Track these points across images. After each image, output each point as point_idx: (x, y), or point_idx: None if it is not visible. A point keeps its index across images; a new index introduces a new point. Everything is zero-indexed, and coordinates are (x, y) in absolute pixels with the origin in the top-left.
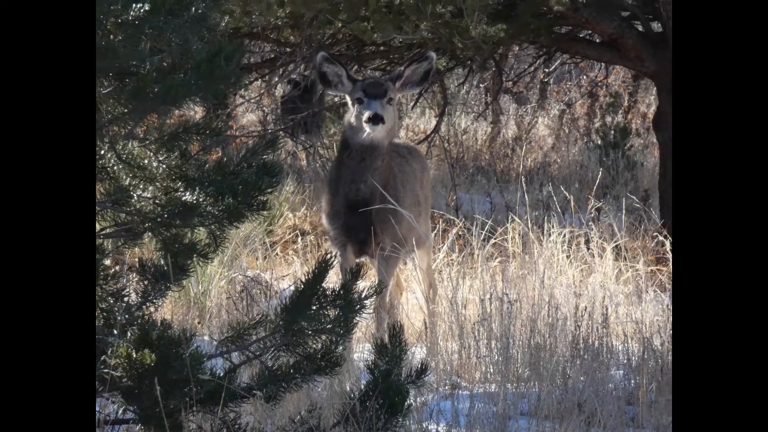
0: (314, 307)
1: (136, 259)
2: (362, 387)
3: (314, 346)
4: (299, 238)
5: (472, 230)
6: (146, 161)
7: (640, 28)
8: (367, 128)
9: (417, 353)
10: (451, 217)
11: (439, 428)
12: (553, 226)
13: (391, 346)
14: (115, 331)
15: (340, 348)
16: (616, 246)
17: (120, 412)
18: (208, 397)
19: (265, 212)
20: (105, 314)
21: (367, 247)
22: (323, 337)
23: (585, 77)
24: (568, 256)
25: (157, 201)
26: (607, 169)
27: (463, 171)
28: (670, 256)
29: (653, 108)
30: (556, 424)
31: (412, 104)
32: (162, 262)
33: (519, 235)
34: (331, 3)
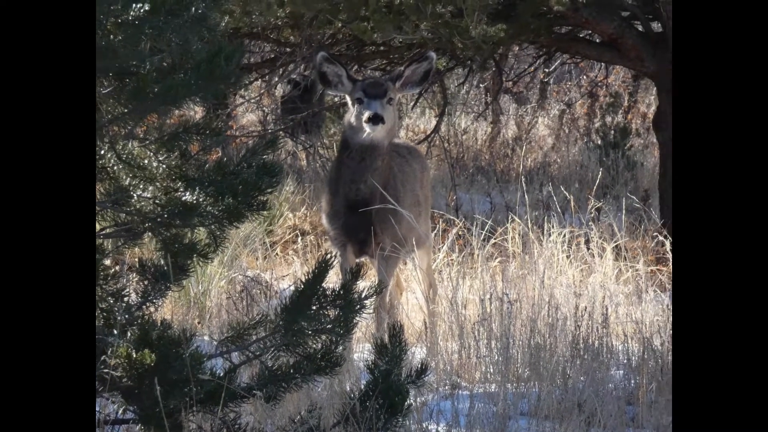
0: (314, 307)
1: (136, 259)
2: (362, 387)
3: (314, 346)
4: (299, 238)
5: (472, 230)
6: (146, 161)
7: (640, 28)
8: (367, 128)
9: (417, 353)
10: (451, 217)
11: (439, 428)
12: (553, 226)
13: (391, 346)
14: (115, 331)
15: (340, 348)
16: (616, 246)
17: (120, 412)
18: (208, 397)
19: (265, 212)
20: (105, 314)
21: (367, 247)
22: (323, 337)
23: (585, 77)
24: (568, 256)
25: (157, 201)
26: (607, 169)
27: (463, 171)
28: (670, 256)
29: (653, 108)
30: (556, 424)
31: (412, 104)
32: (162, 262)
33: (519, 235)
34: (331, 3)
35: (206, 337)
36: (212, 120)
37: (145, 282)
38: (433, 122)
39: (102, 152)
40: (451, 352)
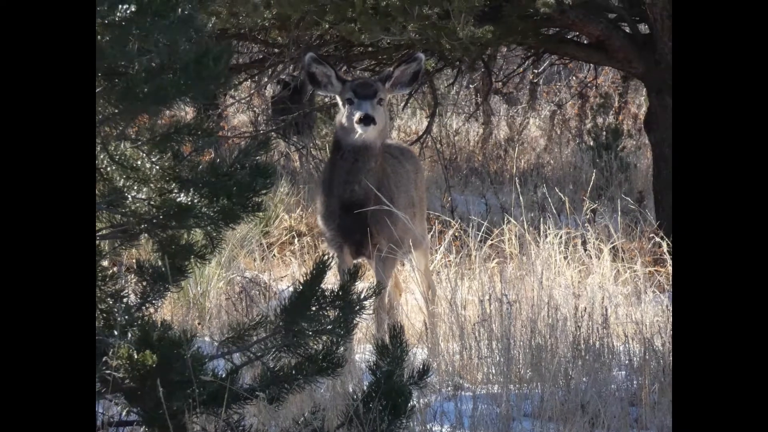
0: (314, 308)
1: (134, 261)
2: (365, 388)
3: (315, 347)
4: (296, 240)
5: (468, 231)
6: (139, 162)
7: (628, 30)
8: (358, 129)
9: (418, 354)
10: (447, 219)
11: (443, 430)
12: (549, 228)
13: (392, 347)
14: (116, 332)
15: (342, 349)
16: (613, 247)
17: (124, 413)
18: (211, 398)
19: (260, 213)
20: (105, 315)
21: (363, 248)
22: (324, 337)
23: (574, 78)
24: (565, 257)
25: (151, 202)
26: (601, 171)
27: (456, 172)
28: (667, 257)
29: (644, 109)
30: (560, 426)
31: (402, 105)
32: (159, 263)
33: (515, 236)
34: (317, 4)
35: (207, 338)
36: (203, 120)
37: (144, 283)
38: (425, 123)
39: (95, 153)
40: (453, 353)
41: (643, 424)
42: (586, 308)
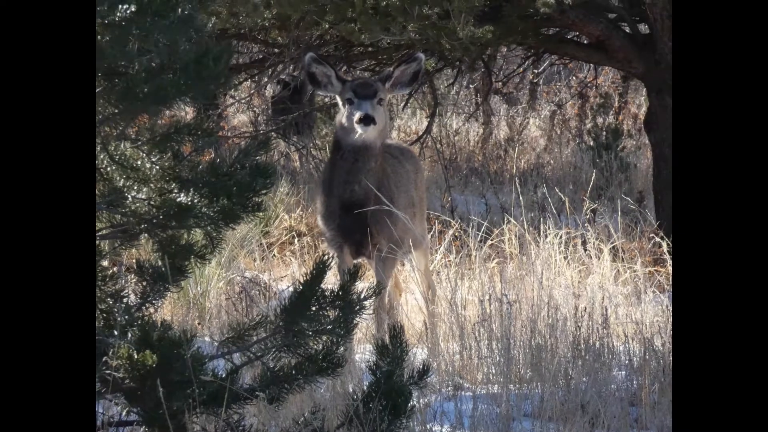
0: (314, 308)
1: (134, 261)
2: (365, 388)
3: (315, 347)
4: (296, 240)
5: (468, 231)
6: (139, 162)
7: (628, 30)
8: (358, 129)
9: (418, 354)
10: (447, 219)
11: (443, 430)
12: (549, 228)
13: (392, 347)
14: (116, 332)
15: (342, 349)
16: (613, 247)
17: (124, 413)
18: (211, 398)
19: (260, 213)
20: (105, 315)
21: (363, 248)
22: (324, 337)
23: (574, 78)
24: (565, 257)
25: (151, 202)
26: (601, 171)
27: (456, 172)
28: (667, 257)
29: (643, 109)
30: (560, 426)
31: (402, 105)
32: (159, 263)
33: (515, 236)
34: (317, 4)
35: (207, 338)
36: (203, 120)
37: (144, 283)
38: (425, 123)
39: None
40: (453, 353)
41: (643, 424)
42: (586, 308)
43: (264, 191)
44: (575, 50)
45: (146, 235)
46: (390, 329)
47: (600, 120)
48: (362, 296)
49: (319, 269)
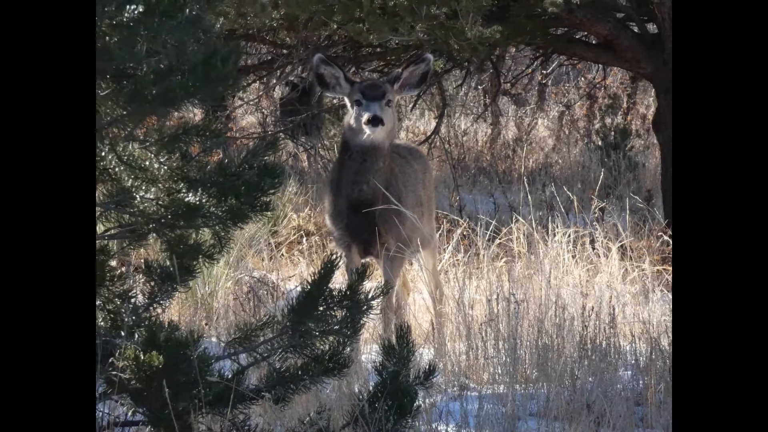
0: (321, 308)
1: (142, 261)
2: (371, 388)
3: (322, 347)
4: (304, 239)
5: (476, 230)
6: (147, 163)
7: (636, 30)
8: (366, 130)
9: (425, 354)
10: (455, 218)
11: (449, 430)
12: (557, 227)
13: (398, 347)
14: (123, 333)
15: (348, 349)
16: (622, 246)
17: (129, 414)
18: (217, 398)
19: (268, 213)
20: (112, 315)
21: (371, 247)
22: (330, 338)
23: (583, 79)
24: (573, 256)
25: (160, 202)
26: (609, 170)
27: (465, 172)
28: None
29: (652, 109)
30: (565, 425)
31: (411, 106)
32: (168, 263)
33: (524, 235)
34: (325, 5)
35: (213, 339)
36: (212, 122)
37: (152, 283)
38: (433, 124)
39: (103, 154)
40: (459, 353)
41: (648, 423)
42: (593, 307)
43: (272, 191)
44: (583, 50)
45: (154, 234)
46: (397, 329)
47: (608, 120)
48: (370, 296)
49: (327, 269)
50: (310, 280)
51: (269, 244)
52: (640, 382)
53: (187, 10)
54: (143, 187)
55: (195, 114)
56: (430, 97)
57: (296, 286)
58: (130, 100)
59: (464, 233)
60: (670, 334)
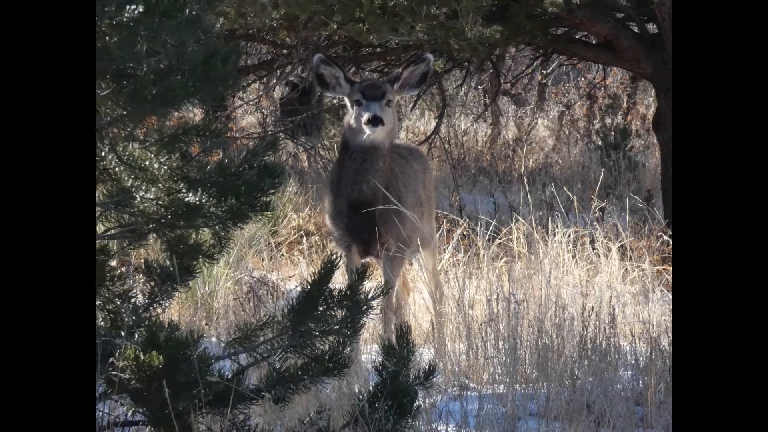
0: (321, 308)
1: (142, 261)
2: (371, 388)
3: (322, 347)
4: (304, 239)
5: (476, 230)
6: (147, 163)
7: (636, 30)
8: (366, 130)
9: (425, 354)
10: (455, 218)
11: (449, 429)
12: (557, 227)
13: (398, 347)
14: (123, 333)
15: (348, 349)
16: (622, 246)
17: (129, 414)
18: (217, 398)
19: (268, 213)
20: (112, 315)
21: (371, 247)
22: (330, 338)
23: (583, 79)
24: (573, 256)
25: (160, 202)
26: (609, 170)
27: (465, 172)
28: None
29: (652, 109)
30: (565, 425)
31: (411, 106)
32: (168, 263)
33: (524, 235)
34: (325, 5)
35: (213, 339)
36: (212, 122)
37: (152, 283)
38: (433, 124)
39: (103, 154)
40: (459, 353)
41: (648, 423)
42: (593, 307)
43: (272, 191)
44: (583, 50)
45: (154, 234)
46: (397, 329)
47: (608, 120)
48: (370, 296)
49: (327, 269)
50: (310, 280)
51: (269, 244)
52: (640, 382)
53: (187, 10)
54: (143, 187)
55: (195, 114)
56: (430, 97)
57: (296, 286)
58: (130, 100)
59: (464, 233)
60: (670, 334)
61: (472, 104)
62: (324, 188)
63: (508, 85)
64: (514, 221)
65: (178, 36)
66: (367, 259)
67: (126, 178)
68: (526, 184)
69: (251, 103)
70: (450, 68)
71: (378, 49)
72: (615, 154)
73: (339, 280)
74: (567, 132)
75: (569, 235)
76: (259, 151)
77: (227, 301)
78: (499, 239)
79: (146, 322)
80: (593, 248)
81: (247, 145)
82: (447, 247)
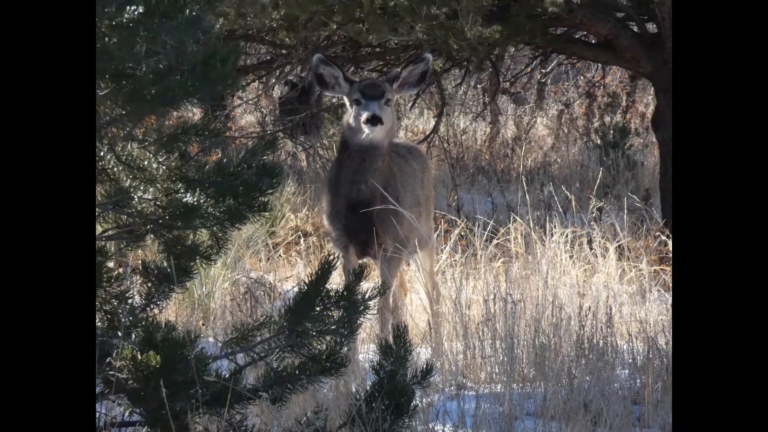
0: (318, 308)
1: (139, 261)
2: (368, 388)
3: (319, 347)
4: (302, 240)
5: (474, 230)
6: (146, 162)
7: (636, 29)
8: (365, 129)
9: (422, 354)
10: (453, 218)
11: (446, 429)
12: (555, 226)
13: (395, 346)
14: (120, 333)
15: (345, 349)
16: (619, 246)
17: (126, 414)
18: (214, 398)
19: (266, 213)
20: (109, 316)
21: (369, 248)
22: (328, 338)
23: (582, 77)
24: (571, 257)
25: (157, 202)
26: (608, 169)
27: (463, 171)
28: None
29: (651, 108)
30: (562, 425)
31: (410, 105)
32: (165, 264)
33: (521, 235)
34: (325, 5)
35: (211, 339)
36: (211, 121)
37: (149, 284)
38: (432, 123)
39: (101, 154)
40: (456, 353)
41: (645, 422)
42: (590, 307)
43: (270, 191)
44: (583, 50)
45: (152, 235)
46: (394, 329)
47: (607, 119)
48: (366, 296)
49: (324, 269)
50: (307, 281)
51: (267, 244)
52: (637, 381)
53: (187, 11)
54: (141, 188)
55: (194, 114)
56: (429, 96)
57: (293, 287)
58: (129, 99)
59: (462, 233)
60: (667, 334)
61: (471, 103)
62: (322, 188)
63: (507, 83)
64: (511, 221)
65: (178, 36)
66: (365, 260)
67: (124, 178)
68: (525, 184)
69: (250, 102)
70: (449, 67)
71: (377, 49)
72: (614, 153)
73: (336, 281)
74: (566, 131)
75: (567, 236)
76: (257, 150)
77: (224, 301)
78: (497, 239)
79: (143, 323)
80: (591, 248)
81: (246, 145)
82: (444, 248)
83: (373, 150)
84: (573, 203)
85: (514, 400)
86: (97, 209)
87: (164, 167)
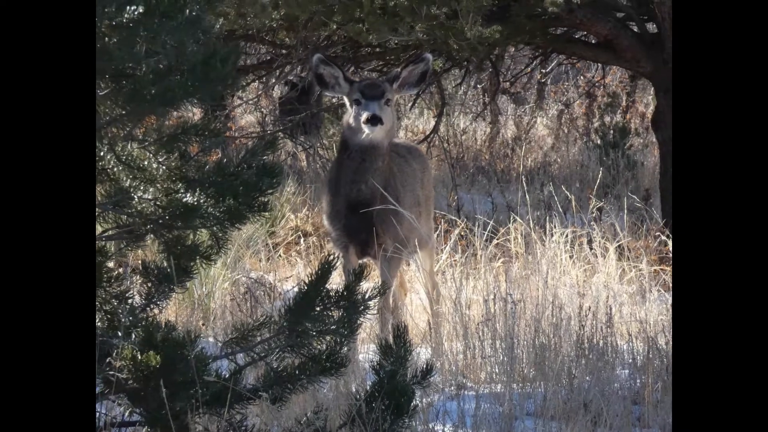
0: (318, 308)
1: (139, 261)
2: (368, 388)
3: (319, 347)
4: (302, 240)
5: (474, 230)
6: (146, 162)
7: (636, 29)
8: (365, 129)
9: (422, 354)
10: (453, 218)
11: (446, 429)
12: (555, 226)
13: (395, 346)
14: (120, 333)
15: (345, 349)
16: (619, 246)
17: (126, 414)
18: (214, 398)
19: (266, 213)
20: (109, 316)
21: (369, 248)
22: (328, 338)
23: (582, 77)
24: (571, 257)
25: (157, 202)
26: (608, 169)
27: (463, 171)
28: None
29: (651, 108)
30: (562, 425)
31: (410, 105)
32: (165, 264)
33: (521, 235)
34: (325, 5)
35: (211, 339)
36: (211, 121)
37: (149, 284)
38: (432, 123)
39: (101, 154)
40: (456, 353)
41: (645, 422)
42: (590, 307)
43: (270, 191)
44: (583, 50)
45: (152, 235)
46: (394, 329)
47: (607, 119)
48: (366, 296)
49: (324, 269)
50: (307, 281)
51: (267, 244)
52: (637, 381)
53: (187, 11)
54: (141, 188)
55: (194, 114)
56: (429, 96)
57: (293, 287)
58: (130, 99)
59: (462, 233)
60: (667, 334)
61: (471, 103)
62: (322, 188)
63: (508, 83)
64: (511, 221)
65: (178, 36)
66: (365, 260)
67: (124, 178)
68: (525, 184)
69: (250, 102)
70: (449, 67)
71: (377, 49)
72: (614, 153)
73: (336, 281)
74: (566, 131)
75: (567, 236)
76: (257, 150)
77: (224, 301)
78: (497, 239)
79: (143, 323)
80: (590, 248)
81: (246, 145)
82: (444, 248)
83: (373, 150)
84: (573, 203)
85: (514, 400)
86: (97, 209)
87: (164, 167)
